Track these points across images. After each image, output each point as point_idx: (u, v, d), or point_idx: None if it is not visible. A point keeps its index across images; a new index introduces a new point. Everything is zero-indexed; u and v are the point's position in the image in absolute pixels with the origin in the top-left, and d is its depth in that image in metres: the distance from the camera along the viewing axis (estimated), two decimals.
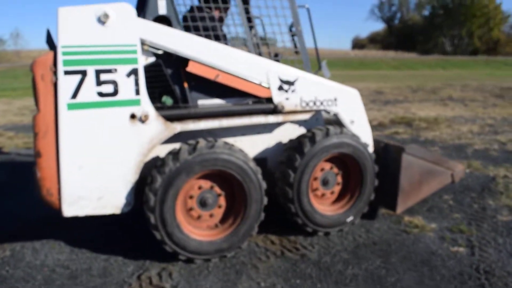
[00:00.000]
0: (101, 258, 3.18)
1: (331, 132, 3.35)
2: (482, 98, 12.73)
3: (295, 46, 3.57)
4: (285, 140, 3.62)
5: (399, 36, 63.88)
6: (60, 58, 2.68)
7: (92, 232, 3.61)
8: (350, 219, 3.58)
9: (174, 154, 2.90)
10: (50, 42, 2.84)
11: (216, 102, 3.32)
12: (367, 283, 2.84)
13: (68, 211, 2.87)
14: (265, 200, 3.19)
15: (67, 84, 2.71)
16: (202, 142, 2.96)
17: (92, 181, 2.88)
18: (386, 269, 3.02)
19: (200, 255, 3.05)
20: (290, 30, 3.56)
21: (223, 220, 3.20)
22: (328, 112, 3.62)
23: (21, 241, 3.45)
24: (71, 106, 2.74)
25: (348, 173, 3.60)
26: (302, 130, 3.64)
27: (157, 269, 3.01)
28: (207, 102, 3.29)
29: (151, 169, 2.96)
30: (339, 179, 3.61)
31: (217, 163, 2.95)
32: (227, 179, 3.11)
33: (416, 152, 3.77)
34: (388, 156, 3.73)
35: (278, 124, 3.56)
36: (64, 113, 2.73)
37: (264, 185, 3.15)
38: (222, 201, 3.17)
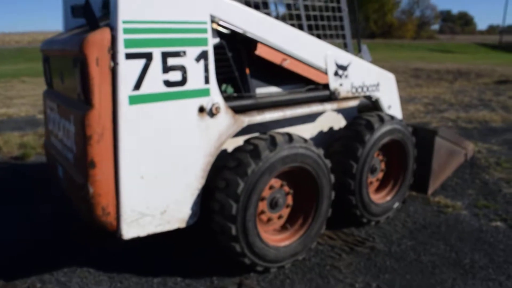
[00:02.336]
0: (155, 284, 2.65)
1: (385, 119, 3.24)
2: (403, 78, 13.83)
3: (341, 28, 3.34)
4: (325, 128, 3.40)
5: None
6: (121, 37, 2.05)
7: (122, 250, 3.00)
8: (396, 205, 3.54)
9: (252, 151, 2.49)
10: (90, 17, 2.17)
11: (273, 90, 2.96)
12: (449, 269, 2.82)
13: (128, 232, 2.29)
14: (333, 195, 2.96)
15: (128, 71, 2.10)
16: (279, 137, 2.60)
17: (155, 193, 2.34)
18: (454, 251, 3.04)
19: (277, 262, 2.72)
20: (334, 11, 3.32)
21: (290, 221, 2.90)
22: (370, 98, 3.49)
23: (38, 273, 2.73)
24: (133, 100, 2.15)
25: (391, 158, 3.54)
26: (340, 118, 3.47)
27: (233, 285, 2.61)
28: (264, 91, 2.91)
29: (222, 171, 2.52)
30: (383, 165, 3.53)
31: (296, 159, 2.63)
32: (295, 176, 2.80)
33: (444, 134, 3.87)
34: (419, 139, 3.75)
35: (321, 112, 3.32)
36: (125, 109, 2.13)
37: (333, 179, 2.92)
38: (290, 200, 2.86)
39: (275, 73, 2.89)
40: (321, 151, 2.81)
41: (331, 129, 3.41)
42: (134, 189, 2.24)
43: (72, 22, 3.08)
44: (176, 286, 2.62)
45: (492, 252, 3.04)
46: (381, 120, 3.21)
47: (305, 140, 2.72)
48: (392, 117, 3.31)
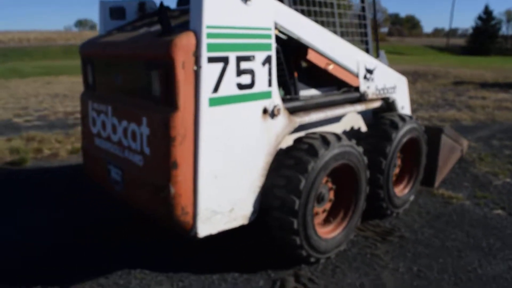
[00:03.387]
0: (215, 280, 2.74)
1: (406, 119, 3.53)
2: None
3: (365, 35, 3.59)
4: (347, 128, 3.64)
5: None
6: (204, 42, 2.15)
7: (170, 249, 3.06)
8: (412, 197, 3.86)
9: (309, 150, 2.66)
10: (164, 20, 2.24)
11: (312, 92, 3.15)
12: (472, 252, 3.14)
13: (203, 230, 2.39)
14: (368, 189, 3.20)
15: (209, 74, 2.21)
16: (330, 136, 2.79)
17: (226, 191, 2.45)
18: (471, 237, 3.38)
19: (326, 253, 2.91)
20: (359, 18, 3.57)
21: (332, 214, 3.10)
22: (388, 99, 3.77)
23: (91, 277, 2.73)
24: (213, 102, 2.25)
25: (407, 154, 3.84)
26: (359, 118, 3.72)
27: (290, 276, 2.77)
28: (306, 93, 3.09)
29: (280, 169, 2.66)
30: (399, 161, 3.83)
31: (344, 156, 2.83)
32: (338, 172, 3.00)
33: (448, 131, 4.24)
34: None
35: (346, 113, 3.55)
36: (205, 111, 2.23)
37: (368, 174, 3.16)
38: (332, 195, 3.06)
39: (313, 77, 3.09)
40: (361, 149, 3.03)
41: (352, 128, 3.65)
42: (209, 188, 2.34)
43: (110, 24, 3.09)
44: (237, 281, 2.73)
45: (502, 236, 3.41)
46: (403, 120, 3.50)
47: (350, 139, 2.93)
48: (410, 117, 3.61)
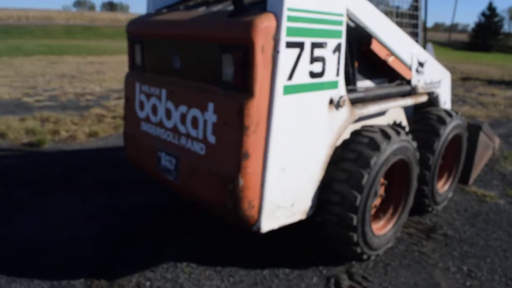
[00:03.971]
0: (266, 276, 2.66)
1: (453, 114, 3.44)
2: None
3: (416, 26, 3.47)
4: (391, 122, 3.54)
5: None
6: (284, 25, 2.01)
7: (213, 243, 2.96)
8: (451, 194, 3.79)
9: (370, 144, 2.56)
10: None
11: (367, 84, 3.03)
12: None
13: (266, 225, 2.29)
14: (416, 186, 3.12)
15: (286, 60, 2.08)
16: (389, 129, 2.69)
17: (289, 185, 2.35)
18: None
19: (376, 250, 2.84)
20: (411, 8, 3.44)
21: (381, 210, 3.02)
22: (432, 93, 3.68)
23: (137, 270, 2.63)
24: (287, 90, 2.13)
25: (447, 151, 3.76)
26: (401, 112, 3.61)
27: (343, 274, 2.69)
28: (361, 84, 2.98)
29: (340, 163, 2.56)
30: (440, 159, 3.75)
31: (402, 151, 2.74)
32: (393, 166, 2.91)
33: (486, 129, 4.17)
34: None
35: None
36: (279, 99, 2.11)
37: (418, 170, 3.08)
38: (382, 190, 2.98)
39: (367, 67, 2.97)
40: (415, 144, 2.94)
41: (395, 122, 3.55)
42: (275, 181, 2.24)
43: (159, 2, 2.93)
44: (289, 277, 2.65)
45: None
46: (450, 115, 3.42)
47: (407, 133, 2.83)
48: (456, 112, 3.52)
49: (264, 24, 1.96)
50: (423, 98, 3.45)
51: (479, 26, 46.19)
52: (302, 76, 2.19)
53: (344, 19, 2.36)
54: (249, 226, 2.26)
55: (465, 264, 2.91)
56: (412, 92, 3.25)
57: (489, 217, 3.67)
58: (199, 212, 3.28)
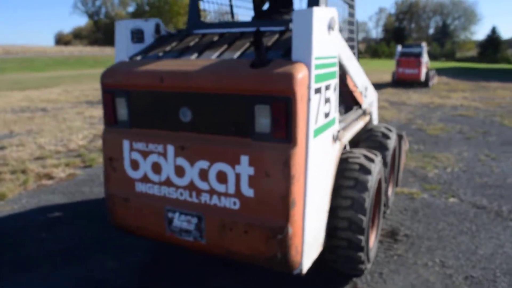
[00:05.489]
0: None
1: (391, 128, 3.98)
2: None
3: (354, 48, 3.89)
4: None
5: (107, 32, 63.77)
6: (313, 73, 2.13)
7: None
8: (393, 197, 4.34)
9: (362, 169, 2.82)
10: (261, 49, 2.11)
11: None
12: (467, 237, 3.73)
13: (306, 265, 2.35)
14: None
15: (314, 105, 2.20)
16: (368, 153, 3.00)
17: (317, 222, 2.46)
18: (453, 225, 4.00)
19: (370, 262, 3.11)
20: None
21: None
22: (370, 113, 4.17)
23: None
24: (315, 133, 2.25)
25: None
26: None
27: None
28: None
29: (341, 190, 2.75)
30: None
31: (380, 170, 3.08)
32: None
33: (404, 136, 4.87)
34: None
35: None
36: (312, 143, 2.21)
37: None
38: None
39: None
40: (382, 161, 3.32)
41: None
42: (311, 223, 2.32)
43: (132, 49, 2.74)
44: None
45: (471, 219, 4.12)
46: (390, 130, 3.94)
47: (377, 155, 3.19)
48: (391, 128, 4.07)
49: (300, 74, 2.05)
50: (368, 118, 3.91)
51: None
52: (321, 118, 2.33)
53: (337, 60, 2.58)
54: (291, 271, 2.28)
55: (435, 256, 3.39)
56: (363, 114, 3.66)
57: (426, 212, 4.31)
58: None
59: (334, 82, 2.53)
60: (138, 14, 58.16)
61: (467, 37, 59.99)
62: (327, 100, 2.42)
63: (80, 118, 10.03)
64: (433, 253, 3.44)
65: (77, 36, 66.76)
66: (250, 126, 2.15)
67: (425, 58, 18.05)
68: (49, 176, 5.48)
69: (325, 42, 2.29)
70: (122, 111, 2.55)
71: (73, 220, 4.13)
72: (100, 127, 8.88)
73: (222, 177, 2.24)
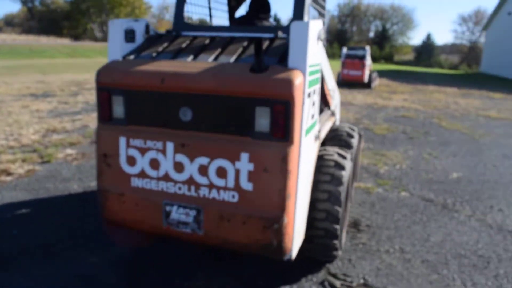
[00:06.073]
0: None
1: (354, 128, 4.36)
2: None
3: None
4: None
5: (43, 20, 60.10)
6: (307, 79, 2.39)
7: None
8: (354, 192, 4.73)
9: (337, 165, 3.12)
10: (260, 57, 2.31)
11: None
12: (419, 226, 4.20)
13: (294, 252, 2.61)
14: None
15: (307, 108, 2.47)
16: (341, 151, 3.31)
17: (303, 214, 2.72)
18: (406, 216, 4.47)
19: (340, 250, 3.44)
20: None
21: None
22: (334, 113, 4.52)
23: None
24: (306, 132, 2.51)
25: None
26: None
27: (329, 276, 3.19)
28: None
29: (318, 185, 3.04)
30: None
31: (352, 165, 3.41)
32: None
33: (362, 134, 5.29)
34: None
35: None
36: (304, 141, 2.47)
37: None
38: None
39: None
40: None
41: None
42: (299, 213, 2.57)
43: (125, 48, 2.82)
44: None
45: (422, 211, 4.62)
46: (353, 129, 4.31)
47: (347, 153, 3.52)
48: (354, 128, 4.45)
49: (298, 81, 2.28)
50: (334, 119, 4.25)
51: None
52: (310, 120, 2.59)
53: (320, 67, 2.85)
54: (283, 257, 2.51)
55: (395, 244, 3.80)
56: (331, 115, 3.99)
57: (382, 205, 4.76)
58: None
59: (318, 86, 2.80)
60: (76, 2, 55.33)
61: (404, 41, 64.09)
62: (313, 103, 2.68)
63: (26, 112, 9.54)
64: (393, 241, 3.85)
65: (9, 23, 62.24)
66: (249, 126, 2.35)
67: (368, 60, 19.09)
68: (7, 172, 5.26)
69: (315, 51, 2.54)
70: (118, 109, 2.63)
71: (44, 216, 4.06)
72: (50, 121, 8.55)
73: (221, 173, 2.42)
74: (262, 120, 2.32)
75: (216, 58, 2.64)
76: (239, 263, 3.32)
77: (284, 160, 2.29)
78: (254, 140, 2.37)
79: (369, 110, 12.16)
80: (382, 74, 28.43)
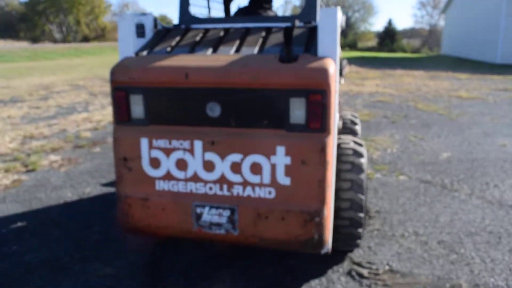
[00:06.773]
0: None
1: (357, 115, 4.35)
2: None
3: None
4: None
5: None
6: (337, 68, 2.35)
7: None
8: None
9: (356, 153, 3.09)
10: (290, 47, 2.23)
11: None
12: (425, 208, 4.27)
13: (330, 244, 2.56)
14: None
15: (337, 96, 2.40)
16: (356, 139, 3.29)
17: (333, 204, 2.67)
18: (410, 199, 4.53)
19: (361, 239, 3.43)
20: None
21: None
22: None
23: None
24: (336, 121, 2.44)
25: None
26: None
27: (355, 265, 3.17)
28: None
29: (340, 174, 3.00)
30: None
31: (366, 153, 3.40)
32: None
33: None
34: None
35: None
36: (333, 130, 2.40)
37: None
38: None
39: None
40: None
41: None
42: (332, 205, 2.51)
43: (137, 43, 2.66)
44: (322, 282, 2.94)
45: (424, 193, 4.71)
46: (355, 116, 4.31)
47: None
48: (356, 115, 4.45)
49: (332, 68, 2.22)
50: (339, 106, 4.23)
51: None
52: (336, 108, 2.53)
53: None
54: (321, 251, 2.46)
55: (407, 227, 3.84)
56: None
57: (384, 190, 4.80)
58: None
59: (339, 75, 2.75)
60: (32, 3, 52.71)
61: (366, 28, 65.31)
62: (337, 92, 2.63)
63: None
64: (405, 225, 3.89)
65: None
66: (284, 118, 2.26)
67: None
68: None
69: (339, 39, 2.48)
70: (138, 109, 2.47)
71: (43, 229, 3.82)
72: (25, 127, 8.10)
73: (256, 169, 2.33)
74: (297, 112, 2.24)
75: (237, 50, 2.53)
76: (258, 262, 3.24)
77: (323, 151, 2.23)
78: (290, 133, 2.28)
79: (346, 97, 12.28)
80: (350, 61, 28.82)
